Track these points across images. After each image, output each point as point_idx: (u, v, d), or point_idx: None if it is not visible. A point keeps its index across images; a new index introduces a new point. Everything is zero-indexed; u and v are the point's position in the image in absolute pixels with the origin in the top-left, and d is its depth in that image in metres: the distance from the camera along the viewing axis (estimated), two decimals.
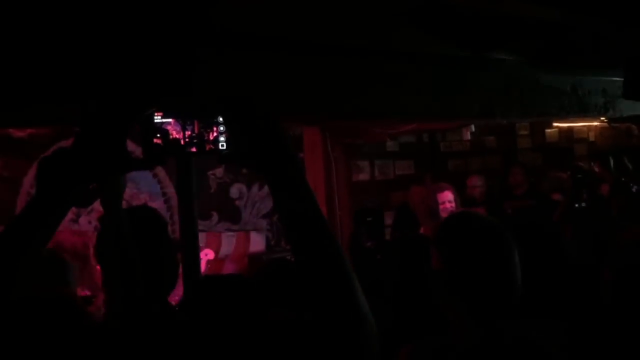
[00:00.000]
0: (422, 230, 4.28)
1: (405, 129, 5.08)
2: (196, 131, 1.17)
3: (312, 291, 1.04)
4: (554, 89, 3.57)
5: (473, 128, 5.92)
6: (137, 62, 1.57)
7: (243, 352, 1.22)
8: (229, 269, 5.23)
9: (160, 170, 5.04)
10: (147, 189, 5.03)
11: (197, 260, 2.72)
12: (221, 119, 1.15)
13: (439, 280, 1.49)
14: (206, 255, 4.85)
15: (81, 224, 4.68)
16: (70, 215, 4.67)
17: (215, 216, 5.45)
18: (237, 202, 5.63)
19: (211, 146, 1.17)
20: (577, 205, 3.56)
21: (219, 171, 5.42)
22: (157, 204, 4.97)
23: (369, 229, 3.69)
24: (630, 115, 4.15)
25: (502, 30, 2.99)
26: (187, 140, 1.16)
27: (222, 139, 1.16)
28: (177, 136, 1.16)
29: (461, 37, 3.01)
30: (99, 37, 1.80)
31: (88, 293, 3.42)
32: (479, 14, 2.74)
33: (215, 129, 1.17)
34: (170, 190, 4.98)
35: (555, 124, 7.11)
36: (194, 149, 1.16)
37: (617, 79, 3.63)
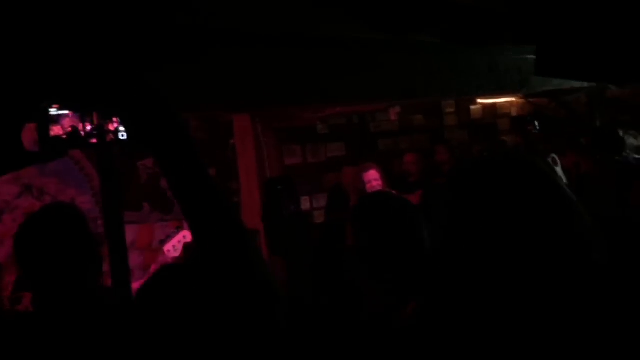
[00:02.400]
0: None
1: (334, 112, 5.14)
2: (95, 122, 1.17)
3: (211, 262, 1.09)
4: (472, 69, 3.70)
5: (399, 108, 6.05)
6: (34, 56, 1.54)
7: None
8: (162, 260, 5.18)
9: (87, 164, 4.92)
10: (74, 184, 4.90)
11: (124, 251, 2.71)
12: (118, 108, 1.16)
13: (353, 256, 1.58)
14: (184, 237, 4.77)
15: (5, 222, 4.53)
16: None
17: (146, 207, 5.38)
18: (169, 193, 5.57)
19: (112, 137, 1.17)
20: None
21: (149, 161, 5.34)
22: (85, 199, 4.86)
23: (284, 196, 3.71)
24: (544, 90, 4.35)
25: (420, 13, 3.07)
26: (86, 131, 1.16)
27: (122, 129, 1.17)
28: (76, 128, 1.16)
29: (381, 20, 3.08)
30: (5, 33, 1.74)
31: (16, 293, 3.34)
32: None
33: (115, 120, 1.17)
34: (98, 184, 4.87)
35: (479, 101, 7.34)
36: (94, 140, 1.16)
37: (531, 56, 3.79)
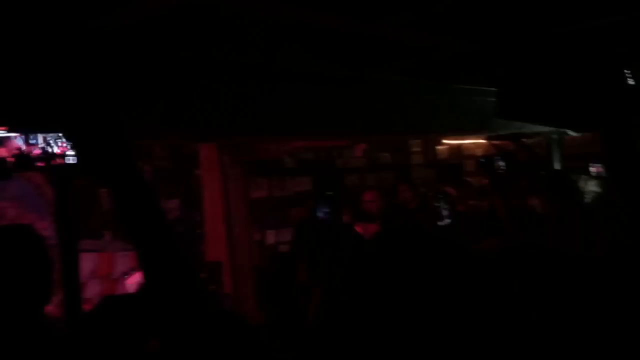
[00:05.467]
0: None
1: (300, 146, 5.19)
2: (42, 145, 1.18)
3: (154, 282, 1.11)
4: (434, 108, 3.78)
5: (365, 145, 6.12)
6: None
7: None
8: (122, 289, 5.10)
9: (47, 190, 4.85)
10: (33, 209, 4.83)
11: (77, 280, 2.67)
12: (63, 133, 1.17)
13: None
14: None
15: None
16: None
17: (107, 235, 5.31)
18: None
19: (60, 160, 1.18)
20: (439, 223, 3.86)
21: None
22: (45, 224, 4.77)
23: (326, 202, 3.67)
24: (506, 132, 4.45)
25: (381, 52, 3.15)
26: (33, 154, 1.17)
27: (70, 153, 1.18)
28: (22, 150, 1.17)
29: (342, 56, 3.14)
30: None
31: None
32: (358, 36, 2.88)
33: (62, 143, 1.18)
34: None
35: (445, 141, 7.48)
36: (41, 164, 1.17)
37: (492, 99, 3.89)
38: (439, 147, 7.83)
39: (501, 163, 3.83)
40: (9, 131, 1.17)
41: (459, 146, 7.87)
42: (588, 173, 5.71)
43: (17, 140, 1.18)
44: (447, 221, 3.91)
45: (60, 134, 1.20)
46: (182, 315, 1.21)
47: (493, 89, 3.83)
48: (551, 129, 4.69)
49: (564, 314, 2.13)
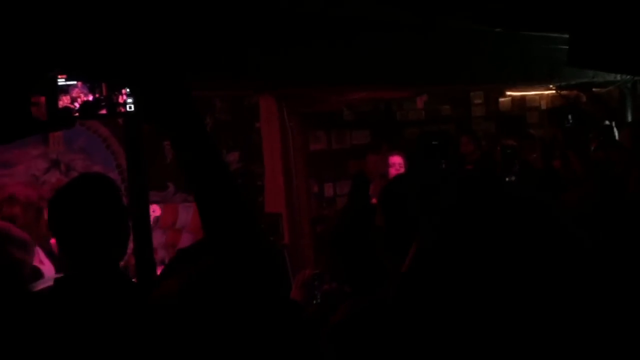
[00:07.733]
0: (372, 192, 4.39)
1: (360, 97, 5.11)
2: (104, 94, 1.18)
3: (216, 236, 1.12)
4: (501, 57, 3.64)
5: (426, 97, 5.99)
6: (42, 24, 1.50)
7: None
8: (186, 239, 5.23)
9: (113, 142, 4.97)
10: (100, 161, 4.96)
11: (148, 229, 2.74)
12: (127, 80, 1.16)
13: (380, 236, 1.57)
14: (153, 211, 4.82)
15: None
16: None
17: (171, 187, 5.42)
18: None
19: (121, 109, 1.18)
20: (507, 179, 3.70)
21: None
22: (111, 176, 4.90)
23: (437, 153, 3.56)
24: (576, 82, 4.27)
25: None
26: (95, 102, 1.17)
27: (130, 101, 1.18)
28: (85, 99, 1.17)
29: (412, 3, 3.04)
30: None
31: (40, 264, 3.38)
32: None
33: (123, 91, 1.18)
34: (124, 161, 4.92)
35: (508, 93, 7.24)
36: (103, 112, 1.17)
37: (563, 47, 3.72)
38: (502, 99, 7.60)
39: (569, 116, 3.66)
40: (67, 79, 1.17)
41: (523, 97, 7.61)
42: None
43: (80, 89, 1.18)
44: (513, 177, 3.79)
45: (123, 82, 1.19)
46: (242, 266, 1.21)
47: (565, 35, 3.65)
48: (626, 77, 4.46)
49: None
